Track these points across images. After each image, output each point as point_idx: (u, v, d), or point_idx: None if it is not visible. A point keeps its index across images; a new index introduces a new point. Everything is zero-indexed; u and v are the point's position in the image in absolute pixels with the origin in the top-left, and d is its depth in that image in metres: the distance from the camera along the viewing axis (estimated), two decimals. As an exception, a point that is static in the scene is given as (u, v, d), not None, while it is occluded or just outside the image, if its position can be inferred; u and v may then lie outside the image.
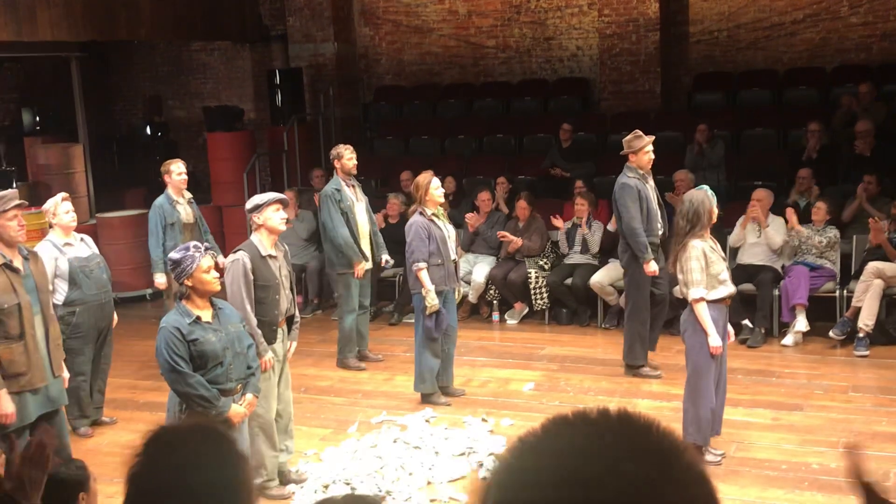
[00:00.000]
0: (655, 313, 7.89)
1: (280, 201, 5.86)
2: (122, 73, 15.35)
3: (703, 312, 5.84)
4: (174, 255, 4.94)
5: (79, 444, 6.73)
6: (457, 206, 10.81)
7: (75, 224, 6.98)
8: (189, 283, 4.88)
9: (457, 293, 7.62)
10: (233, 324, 5.03)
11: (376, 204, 10.48)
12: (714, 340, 5.84)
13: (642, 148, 7.53)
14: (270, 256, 5.81)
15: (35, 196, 11.91)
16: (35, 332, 5.41)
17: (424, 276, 7.18)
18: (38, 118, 13.74)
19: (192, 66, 15.06)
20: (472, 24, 13.78)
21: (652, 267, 7.57)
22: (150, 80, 15.23)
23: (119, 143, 14.75)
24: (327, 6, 13.64)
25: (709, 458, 6.08)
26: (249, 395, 5.09)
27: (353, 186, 8.41)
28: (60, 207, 6.87)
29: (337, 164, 8.38)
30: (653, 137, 7.62)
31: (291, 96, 13.19)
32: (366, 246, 8.41)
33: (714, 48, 12.62)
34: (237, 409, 4.97)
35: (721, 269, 5.93)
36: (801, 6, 12.15)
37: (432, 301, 7.16)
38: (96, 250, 7.23)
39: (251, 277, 5.67)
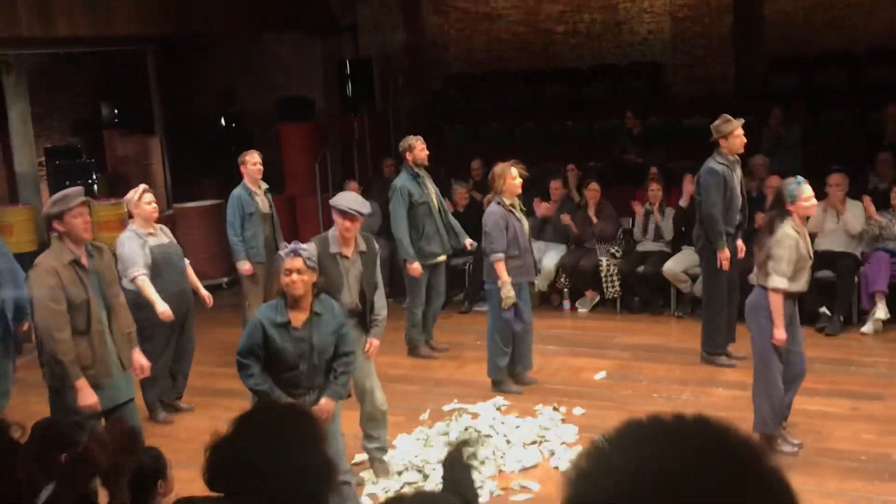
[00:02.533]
0: (730, 300, 7.78)
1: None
2: (196, 66, 15.59)
3: (777, 303, 5.73)
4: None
5: (157, 430, 6.89)
6: (526, 193, 10.77)
7: (157, 215, 7.17)
8: (280, 286, 4.87)
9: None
10: (322, 335, 4.89)
11: (443, 193, 10.52)
12: (780, 332, 5.73)
13: (732, 131, 7.33)
14: (340, 255, 5.82)
15: (114, 187, 12.22)
16: (101, 328, 5.45)
17: (501, 267, 7.13)
18: (115, 111, 14.06)
19: (263, 57, 15.22)
20: (541, 11, 13.69)
21: (726, 255, 7.45)
22: (224, 72, 15.45)
23: (194, 134, 15.02)
24: (396, -5, 13.69)
25: (785, 448, 5.98)
26: (323, 400, 4.96)
27: (426, 177, 8.41)
28: (144, 198, 7.07)
29: (409, 157, 8.35)
30: (742, 121, 7.41)
31: (361, 86, 13.27)
32: (441, 234, 8.41)
33: (789, 30, 12.33)
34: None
35: (805, 263, 5.79)
36: (881, -16, 11.82)
37: (508, 293, 7.12)
38: (173, 239, 7.38)
39: None
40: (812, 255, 5.88)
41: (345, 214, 5.75)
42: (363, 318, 5.96)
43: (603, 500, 0.89)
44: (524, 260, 7.24)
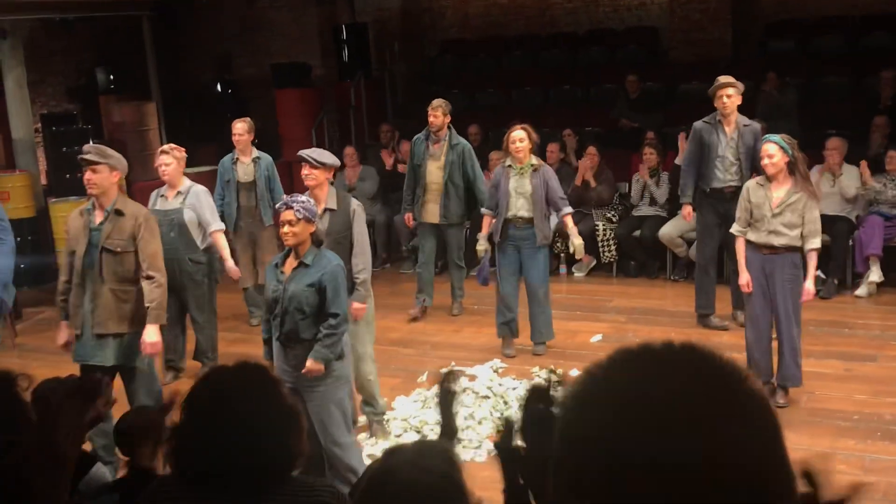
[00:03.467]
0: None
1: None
2: (192, 32, 15.51)
3: (738, 247, 6.33)
4: None
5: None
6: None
7: (166, 176, 7.21)
8: None
9: (572, 247, 7.64)
10: (299, 286, 4.97)
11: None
12: (741, 277, 6.26)
13: (714, 92, 7.47)
14: None
15: (111, 154, 12.19)
16: (81, 283, 5.59)
17: (484, 222, 7.60)
18: (112, 77, 14.00)
19: (259, 22, 15.15)
20: (538, -25, 13.63)
21: (684, 211, 7.85)
22: (219, 37, 15.37)
23: (190, 100, 14.96)
24: (392, -40, 13.61)
25: (780, 400, 6.18)
26: (308, 361, 4.99)
27: (438, 142, 8.46)
28: (157, 159, 7.22)
29: None
30: (729, 83, 7.42)
31: (357, 52, 13.23)
32: (431, 200, 8.46)
33: (787, -6, 12.30)
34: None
35: (760, 215, 6.12)
36: (879, -52, 11.77)
37: (478, 246, 7.64)
38: (185, 207, 7.21)
39: None
40: (774, 211, 6.05)
41: (301, 160, 6.02)
42: None
43: (595, 422, 0.93)
44: (499, 222, 7.43)
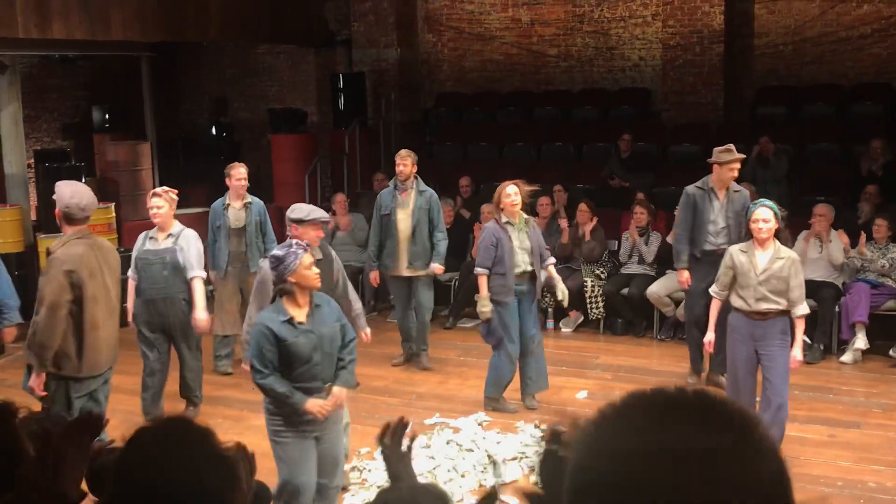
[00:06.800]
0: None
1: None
2: (190, 74, 15.65)
3: (712, 307, 6.51)
4: (277, 251, 4.88)
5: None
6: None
7: (158, 219, 7.09)
8: (293, 280, 4.79)
9: (561, 294, 7.58)
10: (327, 325, 4.91)
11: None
12: (707, 335, 6.54)
13: (728, 163, 7.48)
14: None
15: (103, 191, 12.21)
16: None
17: (482, 282, 7.24)
18: (107, 116, 14.08)
19: (257, 68, 15.30)
20: (534, 33, 13.82)
21: (683, 276, 7.78)
22: (217, 81, 15.51)
23: (185, 142, 15.04)
24: (391, 12, 13.79)
25: None
26: (336, 388, 4.94)
27: (406, 190, 8.46)
28: (149, 202, 7.19)
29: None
30: (742, 157, 7.62)
31: (354, 100, 13.35)
32: (402, 251, 8.46)
33: (779, 61, 12.50)
34: (315, 402, 4.83)
35: (746, 281, 6.12)
36: (870, 21, 12.00)
37: (481, 307, 7.24)
38: (175, 247, 7.11)
39: None
40: (760, 278, 6.07)
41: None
42: None
43: (607, 461, 0.95)
44: (506, 280, 7.24)
